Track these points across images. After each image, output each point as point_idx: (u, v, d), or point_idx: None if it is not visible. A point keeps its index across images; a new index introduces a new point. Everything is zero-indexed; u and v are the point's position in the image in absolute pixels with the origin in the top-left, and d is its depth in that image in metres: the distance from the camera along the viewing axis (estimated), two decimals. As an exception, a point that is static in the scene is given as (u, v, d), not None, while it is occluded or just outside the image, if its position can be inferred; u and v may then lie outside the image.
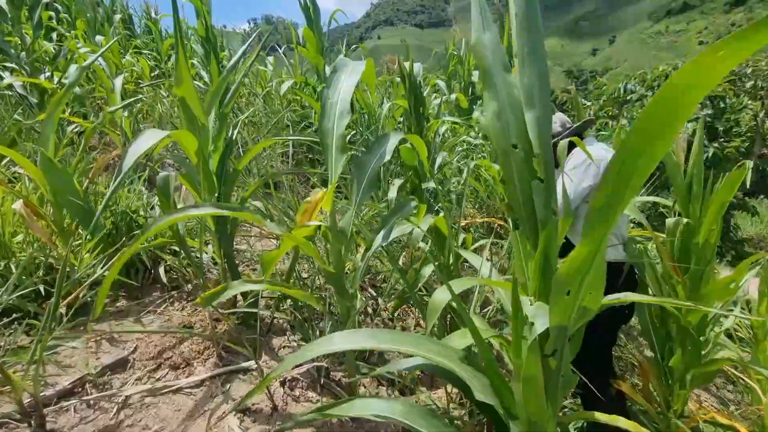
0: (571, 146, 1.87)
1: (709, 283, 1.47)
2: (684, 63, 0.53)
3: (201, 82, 3.87)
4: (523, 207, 0.77)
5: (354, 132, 3.46)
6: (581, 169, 1.62)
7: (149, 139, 1.08)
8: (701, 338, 1.59)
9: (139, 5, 6.13)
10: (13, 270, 1.44)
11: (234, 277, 1.56)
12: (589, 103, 11.01)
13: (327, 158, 1.12)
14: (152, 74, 4.70)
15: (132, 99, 2.58)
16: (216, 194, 1.52)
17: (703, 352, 1.62)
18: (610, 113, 10.13)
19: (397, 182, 2.19)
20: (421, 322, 1.96)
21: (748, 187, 1.91)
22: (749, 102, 7.18)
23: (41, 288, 1.49)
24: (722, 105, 7.40)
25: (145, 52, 5.14)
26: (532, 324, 0.69)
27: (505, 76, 0.77)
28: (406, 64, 2.42)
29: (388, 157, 1.15)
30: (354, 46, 5.45)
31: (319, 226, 1.14)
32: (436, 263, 1.68)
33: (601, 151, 1.70)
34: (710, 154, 6.77)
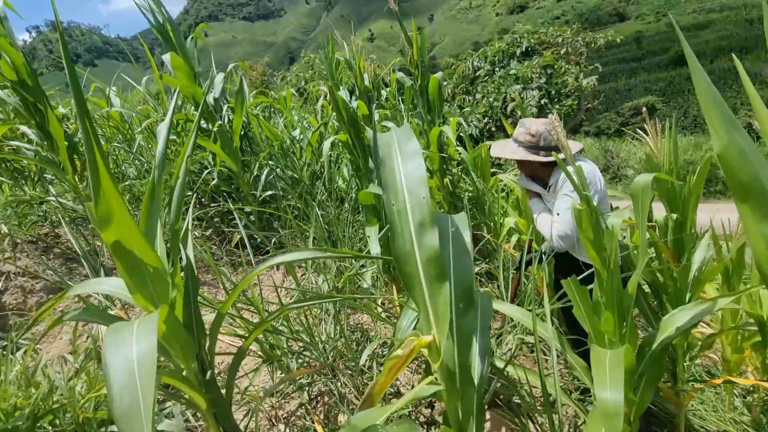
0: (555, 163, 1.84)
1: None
2: None
3: (25, 140, 2.74)
4: None
5: (270, 170, 2.93)
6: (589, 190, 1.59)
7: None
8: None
9: None
10: None
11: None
12: (444, 83, 11.95)
13: (414, 293, 0.78)
14: None
15: None
16: (195, 357, 1.00)
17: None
18: (464, 90, 11.18)
19: (373, 233, 1.87)
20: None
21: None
22: (568, 66, 8.70)
23: None
24: (550, 71, 8.80)
25: None
26: None
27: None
28: (342, 94, 2.06)
29: (472, 254, 0.87)
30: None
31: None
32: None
33: (592, 167, 1.71)
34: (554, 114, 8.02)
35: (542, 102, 8.03)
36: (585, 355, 1.45)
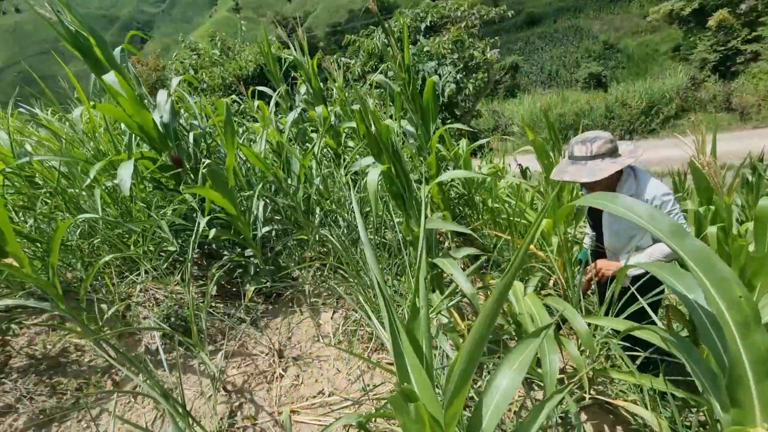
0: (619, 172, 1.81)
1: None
2: None
3: None
4: None
5: (266, 203, 2.56)
6: (666, 205, 1.70)
7: None
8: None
9: None
10: None
11: None
12: (352, 61, 11.62)
13: (736, 388, 0.79)
14: None
15: None
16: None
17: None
18: (374, 68, 11.06)
19: (456, 270, 1.79)
20: None
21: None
22: (472, 41, 9.16)
23: None
24: (459, 45, 9.18)
25: None
26: None
27: None
28: (389, 123, 1.85)
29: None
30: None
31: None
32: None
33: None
34: (470, 89, 8.49)
35: (458, 77, 8.40)
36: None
